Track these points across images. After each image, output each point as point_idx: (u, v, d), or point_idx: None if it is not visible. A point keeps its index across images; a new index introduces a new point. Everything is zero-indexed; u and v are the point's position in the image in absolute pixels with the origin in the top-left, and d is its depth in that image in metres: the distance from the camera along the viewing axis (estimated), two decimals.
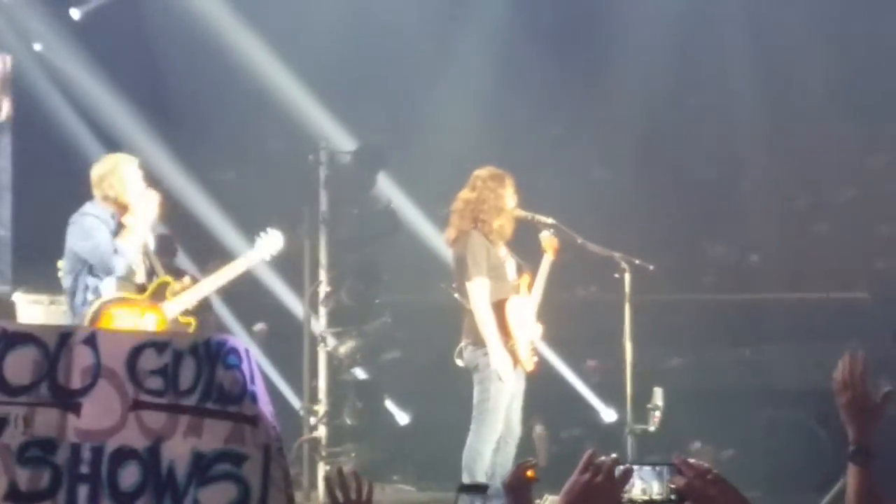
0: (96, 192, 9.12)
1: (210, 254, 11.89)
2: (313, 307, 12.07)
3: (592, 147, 13.89)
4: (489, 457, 9.39)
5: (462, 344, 9.51)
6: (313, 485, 11.45)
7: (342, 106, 13.33)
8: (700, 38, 14.01)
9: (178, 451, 4.13)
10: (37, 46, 13.79)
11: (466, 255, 9.39)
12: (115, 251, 8.88)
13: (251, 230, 11.49)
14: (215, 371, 4.19)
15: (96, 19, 13.84)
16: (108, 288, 8.94)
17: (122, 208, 9.03)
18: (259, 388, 4.25)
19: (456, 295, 9.58)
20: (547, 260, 9.84)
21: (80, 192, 9.25)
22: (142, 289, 9.13)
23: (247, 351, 4.27)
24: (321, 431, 11.88)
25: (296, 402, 12.29)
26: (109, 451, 4.11)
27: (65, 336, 4.18)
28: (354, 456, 11.85)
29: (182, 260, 12.10)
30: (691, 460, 3.47)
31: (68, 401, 4.13)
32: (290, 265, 12.54)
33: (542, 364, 9.97)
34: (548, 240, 9.87)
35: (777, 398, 12.43)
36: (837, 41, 13.90)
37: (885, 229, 13.67)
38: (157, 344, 4.22)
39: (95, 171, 9.17)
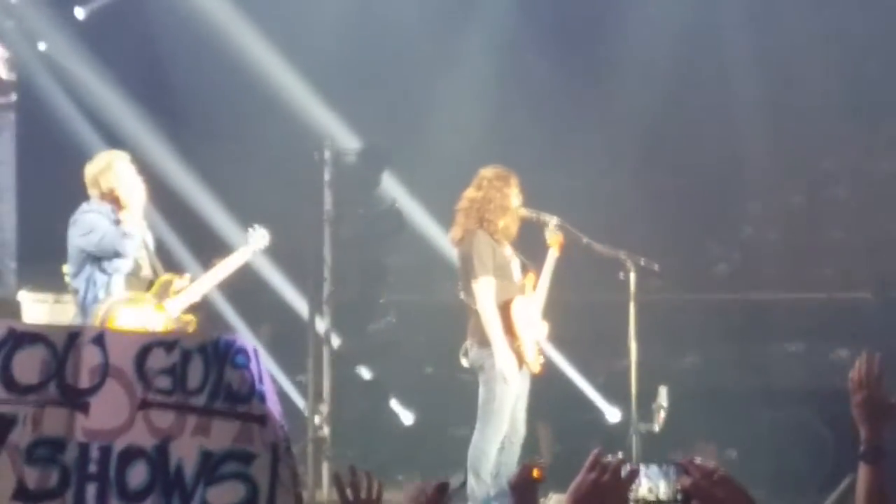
0: (93, 190, 9.15)
1: (214, 252, 11.88)
2: (318, 307, 12.07)
3: (597, 146, 13.87)
4: (494, 456, 9.40)
5: (467, 344, 9.51)
6: (317, 484, 11.45)
7: (347, 105, 13.32)
8: (703, 40, 13.99)
9: (186, 450, 4.13)
10: (41, 46, 13.80)
11: (472, 255, 9.40)
12: (124, 234, 8.93)
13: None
14: (224, 370, 4.19)
15: (101, 18, 13.85)
16: (117, 284, 8.97)
17: (120, 205, 9.06)
18: (267, 388, 4.26)
19: (462, 295, 9.58)
20: (552, 256, 9.83)
21: (84, 190, 9.27)
22: (148, 285, 9.16)
23: (255, 350, 4.28)
24: (325, 431, 11.88)
25: (300, 402, 12.29)
26: (118, 450, 4.12)
27: (73, 336, 4.19)
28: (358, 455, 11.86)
29: (186, 258, 12.12)
30: (698, 460, 3.47)
31: (77, 400, 4.13)
32: (294, 264, 12.56)
33: (547, 364, 9.97)
34: (553, 236, 9.86)
35: (781, 398, 12.42)
36: (837, 41, 13.89)
37: (890, 229, 13.66)
38: (165, 343, 4.23)
39: (90, 170, 9.21)
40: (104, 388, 4.16)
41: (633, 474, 3.49)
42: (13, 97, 13.42)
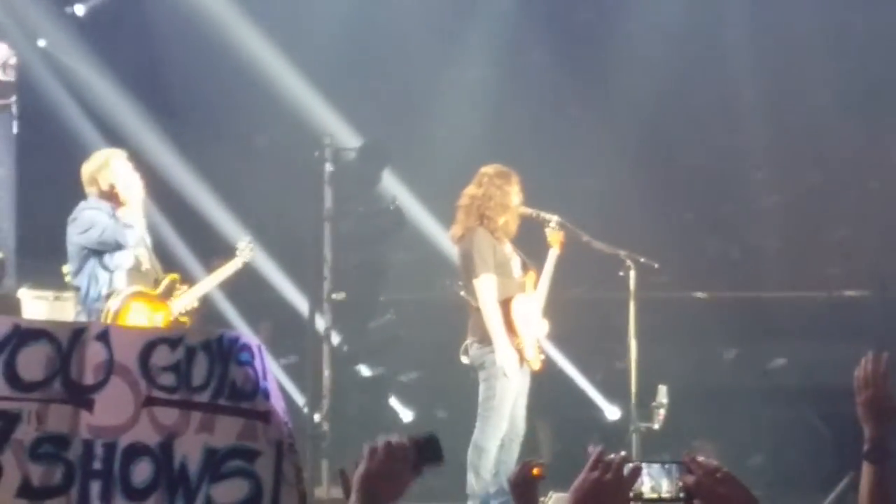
0: (90, 189, 9.16)
1: (214, 251, 11.89)
2: (318, 304, 12.07)
3: (597, 145, 13.88)
4: (494, 454, 9.40)
5: (468, 341, 9.51)
6: (316, 480, 11.46)
7: (347, 102, 13.32)
8: (703, 39, 14.00)
9: (190, 447, 4.12)
10: (41, 43, 13.79)
11: (473, 252, 9.40)
12: (125, 225, 8.94)
13: (255, 227, 11.53)
14: (228, 367, 4.19)
15: (100, 15, 13.85)
16: (120, 280, 8.98)
17: (119, 201, 9.06)
18: (271, 385, 4.26)
19: (462, 292, 9.59)
20: (553, 254, 9.84)
21: (83, 188, 9.28)
22: (155, 283, 9.17)
23: (259, 347, 4.27)
24: (325, 427, 11.88)
25: (300, 399, 12.30)
26: (122, 447, 4.11)
27: (78, 332, 4.18)
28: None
29: (186, 256, 12.13)
30: (700, 458, 3.47)
31: (81, 397, 4.12)
32: (294, 262, 12.56)
33: (547, 362, 9.98)
34: (553, 234, 9.87)
35: (781, 396, 12.43)
36: (838, 42, 13.89)
37: (892, 228, 13.66)
38: (169, 340, 4.22)
39: (87, 169, 9.21)
40: (109, 384, 4.16)
41: (636, 472, 3.48)
42: (13, 97, 13.40)
